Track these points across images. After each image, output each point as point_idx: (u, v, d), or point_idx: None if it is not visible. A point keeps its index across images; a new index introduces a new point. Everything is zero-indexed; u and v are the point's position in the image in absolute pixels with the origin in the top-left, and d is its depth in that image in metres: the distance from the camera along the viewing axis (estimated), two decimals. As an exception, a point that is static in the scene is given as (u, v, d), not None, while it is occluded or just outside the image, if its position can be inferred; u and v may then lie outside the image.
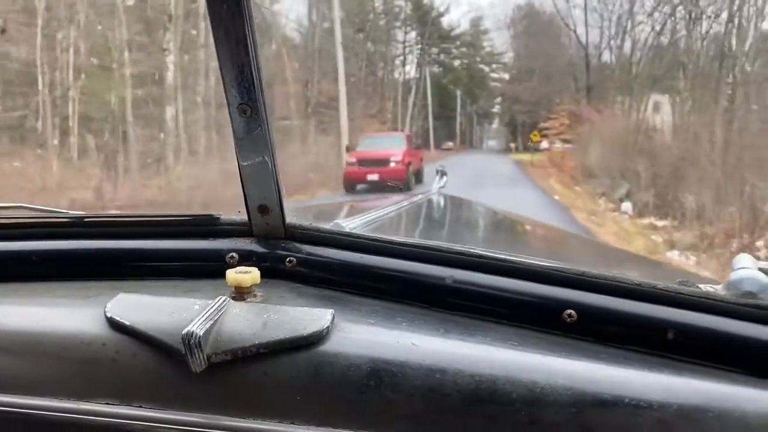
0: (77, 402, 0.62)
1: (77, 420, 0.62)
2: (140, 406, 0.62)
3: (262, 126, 0.72)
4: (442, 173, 3.11)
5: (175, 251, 0.81)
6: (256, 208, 0.78)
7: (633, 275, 0.69)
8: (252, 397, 0.61)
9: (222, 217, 0.82)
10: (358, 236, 0.79)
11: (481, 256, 0.72)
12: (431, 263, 0.74)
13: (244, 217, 0.80)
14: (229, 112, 0.71)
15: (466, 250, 0.73)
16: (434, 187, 2.83)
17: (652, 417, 0.57)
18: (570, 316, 0.67)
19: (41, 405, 0.63)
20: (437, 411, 0.59)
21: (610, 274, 0.68)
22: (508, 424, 0.58)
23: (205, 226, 0.81)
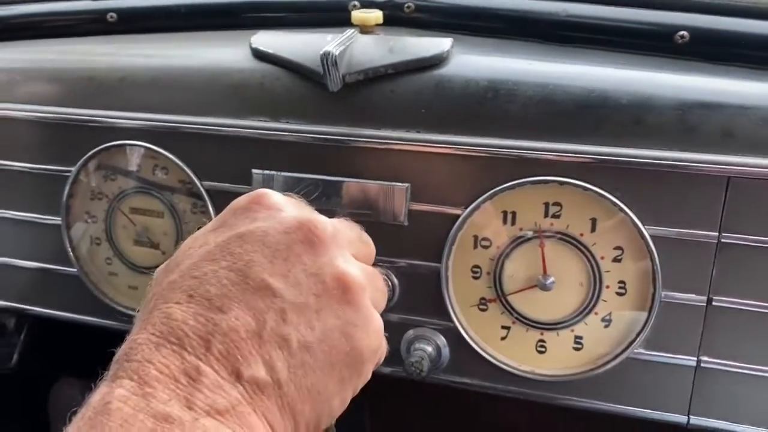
0: (234, 119, 0.73)
1: (233, 132, 0.73)
2: (287, 121, 0.72)
3: None
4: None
5: (301, 3, 0.88)
6: (375, -44, 0.82)
7: None
8: (382, 111, 0.70)
9: (343, -31, 0.87)
10: (473, -21, 0.82)
11: (594, -13, 0.74)
12: (545, -1, 0.77)
13: (364, -32, 0.85)
14: None
15: (580, -17, 0.75)
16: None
17: (756, 116, 0.60)
18: (682, 37, 0.69)
19: (206, 122, 0.74)
20: (549, 115, 0.65)
21: (726, -4, 0.69)
22: (615, 125, 0.63)
23: (327, -22, 0.87)
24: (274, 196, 0.46)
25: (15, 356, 0.96)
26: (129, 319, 0.83)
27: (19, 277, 0.88)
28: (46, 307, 0.89)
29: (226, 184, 0.75)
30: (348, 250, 0.45)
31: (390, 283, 0.70)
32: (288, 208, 0.45)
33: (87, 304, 0.85)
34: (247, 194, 0.47)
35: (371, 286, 0.45)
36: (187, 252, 0.43)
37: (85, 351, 1.05)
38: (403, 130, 0.69)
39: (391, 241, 0.70)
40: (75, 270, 0.84)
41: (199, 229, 0.75)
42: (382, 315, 0.47)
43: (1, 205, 0.87)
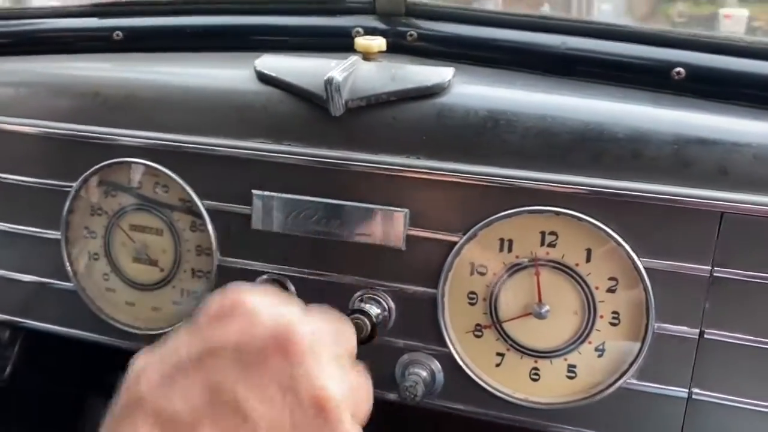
0: (236, 140, 0.74)
1: (236, 153, 0.74)
2: (289, 144, 0.73)
3: None
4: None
5: (305, 27, 0.89)
6: (379, -16, 0.84)
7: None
8: (383, 137, 0.71)
9: (347, -4, 0.89)
10: (475, 9, 0.84)
11: (593, 23, 0.76)
12: (545, 31, 0.78)
13: (368, -5, 0.87)
14: None
15: (579, 17, 0.77)
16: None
17: (749, 153, 0.62)
18: (678, 74, 0.71)
19: (208, 142, 0.75)
20: (547, 147, 0.66)
21: (722, 35, 0.70)
22: (611, 158, 0.64)
23: (331, 3, 0.89)
24: (248, 301, 0.43)
25: (8, 369, 0.95)
26: (125, 336, 0.84)
27: (16, 290, 0.88)
28: (42, 321, 0.89)
29: (226, 204, 0.76)
30: (327, 353, 0.43)
31: (367, 325, 0.68)
32: (263, 313, 0.42)
33: (83, 319, 0.85)
34: (220, 296, 0.44)
35: (352, 396, 0.43)
36: (159, 364, 0.41)
37: (80, 365, 1.05)
38: (404, 156, 0.70)
39: (388, 265, 0.71)
40: (72, 285, 0.85)
41: (196, 245, 0.75)
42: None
43: (1, 218, 0.87)
